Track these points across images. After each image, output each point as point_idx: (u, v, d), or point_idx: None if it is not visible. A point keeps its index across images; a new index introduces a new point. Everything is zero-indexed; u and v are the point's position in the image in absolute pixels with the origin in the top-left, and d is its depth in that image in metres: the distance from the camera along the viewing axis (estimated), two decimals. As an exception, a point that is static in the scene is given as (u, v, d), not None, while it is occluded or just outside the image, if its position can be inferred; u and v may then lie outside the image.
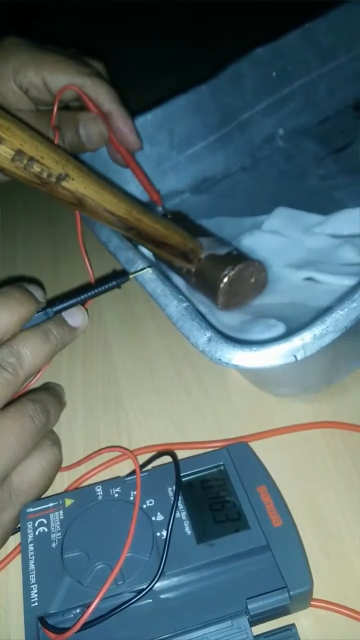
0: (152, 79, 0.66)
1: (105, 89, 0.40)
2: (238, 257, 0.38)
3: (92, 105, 0.40)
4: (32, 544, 0.28)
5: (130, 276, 0.33)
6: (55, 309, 0.32)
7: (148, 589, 0.25)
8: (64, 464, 0.33)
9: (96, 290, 0.33)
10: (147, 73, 0.72)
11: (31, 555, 0.27)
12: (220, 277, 0.37)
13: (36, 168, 0.28)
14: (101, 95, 0.40)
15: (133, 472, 0.30)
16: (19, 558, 0.29)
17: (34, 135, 0.28)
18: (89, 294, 0.33)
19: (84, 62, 0.41)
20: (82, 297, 0.33)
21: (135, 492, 0.29)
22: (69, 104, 0.42)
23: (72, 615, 0.26)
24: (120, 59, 0.59)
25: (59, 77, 0.39)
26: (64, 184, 0.30)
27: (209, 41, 0.75)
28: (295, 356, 0.26)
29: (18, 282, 0.32)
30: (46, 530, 0.28)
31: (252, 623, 0.25)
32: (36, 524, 0.29)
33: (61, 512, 0.29)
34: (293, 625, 0.26)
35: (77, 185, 0.30)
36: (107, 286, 0.33)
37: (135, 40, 0.87)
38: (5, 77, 0.39)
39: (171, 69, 0.67)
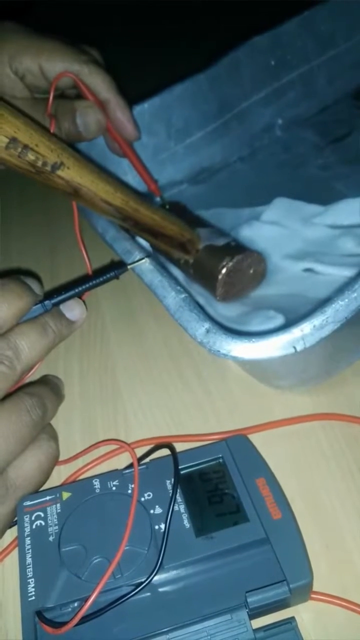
0: (148, 70, 0.65)
1: (103, 77, 0.39)
2: (236, 248, 0.38)
3: (89, 93, 0.39)
4: (29, 538, 0.28)
5: (128, 267, 0.33)
6: (53, 301, 0.32)
7: (146, 582, 0.25)
8: (61, 457, 0.33)
9: (94, 282, 0.33)
10: (143, 65, 0.71)
11: (28, 549, 0.27)
12: (218, 268, 0.37)
13: (31, 156, 0.28)
14: (98, 83, 0.39)
15: (131, 465, 0.30)
16: (15, 552, 0.29)
17: (28, 122, 0.28)
18: (87, 285, 0.33)
19: (81, 49, 0.40)
20: (80, 289, 0.33)
21: (133, 485, 0.29)
22: (65, 91, 0.42)
23: (69, 609, 0.25)
24: (116, 51, 0.58)
25: (56, 64, 0.38)
26: (59, 173, 0.29)
27: (206, 38, 0.74)
28: (294, 347, 0.26)
29: (14, 274, 0.31)
30: (43, 523, 0.28)
31: (252, 616, 0.25)
32: (33, 518, 0.28)
33: (58, 505, 0.29)
34: (293, 618, 0.25)
35: (73, 174, 0.30)
36: (104, 277, 0.33)
37: (131, 37, 0.86)
38: (0, 62, 0.39)
39: (167, 62, 0.66)
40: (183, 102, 0.50)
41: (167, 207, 0.43)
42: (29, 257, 0.51)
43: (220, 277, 0.37)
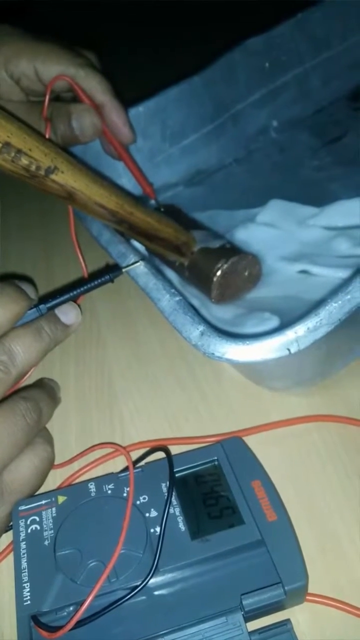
0: (144, 72, 0.65)
1: (98, 80, 0.39)
2: (231, 250, 0.38)
3: (85, 97, 0.39)
4: (24, 542, 0.28)
5: (123, 270, 0.33)
6: (47, 305, 0.32)
7: (142, 585, 0.25)
8: (57, 461, 0.33)
9: (89, 285, 0.33)
10: (140, 67, 0.71)
11: (23, 554, 0.27)
12: (213, 270, 0.37)
13: (24, 161, 0.28)
14: (94, 86, 0.39)
15: (126, 469, 0.30)
16: (11, 556, 0.29)
17: (22, 127, 0.28)
18: (82, 289, 0.33)
19: (77, 52, 0.40)
20: (75, 292, 0.33)
21: (128, 489, 0.29)
22: (61, 95, 0.42)
23: (65, 614, 0.25)
24: (113, 53, 0.58)
25: (51, 67, 0.38)
26: (53, 177, 0.29)
27: (204, 40, 0.74)
28: (288, 349, 0.26)
29: (9, 279, 0.31)
30: (38, 527, 0.28)
31: (247, 619, 0.25)
32: (28, 522, 0.28)
33: (54, 509, 0.29)
34: (288, 620, 0.25)
35: (67, 178, 0.30)
36: (100, 281, 0.33)
37: (127, 38, 0.86)
38: None
39: (164, 65, 0.66)
40: (178, 105, 0.50)
41: (162, 209, 0.43)
42: (25, 261, 0.51)
43: (215, 279, 0.37)
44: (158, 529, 0.27)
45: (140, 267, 0.33)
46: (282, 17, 0.54)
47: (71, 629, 0.24)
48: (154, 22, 0.87)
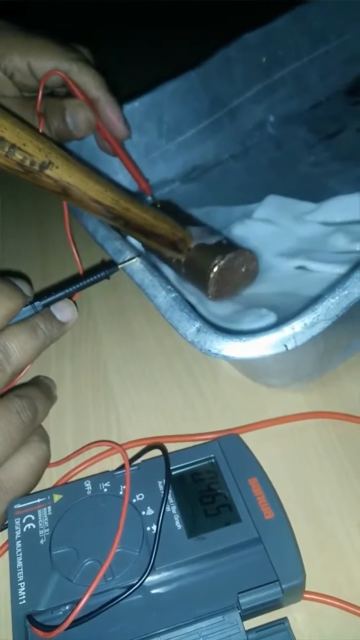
0: (141, 69, 0.65)
1: (92, 75, 0.39)
2: (228, 247, 0.38)
3: (79, 92, 0.39)
4: (19, 541, 0.27)
5: (119, 267, 0.33)
6: (43, 302, 0.31)
7: (138, 584, 0.25)
8: (52, 459, 0.33)
9: (85, 282, 0.32)
10: (137, 64, 0.71)
11: (19, 552, 0.27)
12: (210, 266, 0.36)
13: (18, 156, 0.27)
14: (88, 81, 0.39)
15: (122, 467, 0.30)
16: (6, 555, 0.28)
17: (16, 122, 0.28)
18: (78, 286, 0.32)
19: (71, 47, 0.40)
20: (70, 289, 0.32)
21: (124, 487, 0.29)
22: (55, 90, 0.41)
23: (61, 613, 0.25)
24: (110, 50, 0.58)
25: (45, 62, 0.38)
26: (47, 172, 0.29)
27: (203, 37, 0.74)
28: (285, 346, 0.26)
29: (4, 276, 0.31)
30: (34, 526, 0.28)
31: (244, 617, 0.25)
32: (24, 521, 0.28)
33: (49, 507, 0.29)
34: (285, 618, 0.25)
35: (62, 173, 0.29)
36: (95, 277, 0.33)
37: (124, 36, 0.85)
38: None
39: (161, 61, 0.65)
40: (174, 100, 0.50)
41: (159, 205, 0.43)
42: (20, 258, 0.51)
43: (212, 275, 0.36)
44: (154, 527, 0.27)
45: (137, 264, 0.32)
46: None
47: (67, 628, 0.24)
48: (152, 22, 0.86)
